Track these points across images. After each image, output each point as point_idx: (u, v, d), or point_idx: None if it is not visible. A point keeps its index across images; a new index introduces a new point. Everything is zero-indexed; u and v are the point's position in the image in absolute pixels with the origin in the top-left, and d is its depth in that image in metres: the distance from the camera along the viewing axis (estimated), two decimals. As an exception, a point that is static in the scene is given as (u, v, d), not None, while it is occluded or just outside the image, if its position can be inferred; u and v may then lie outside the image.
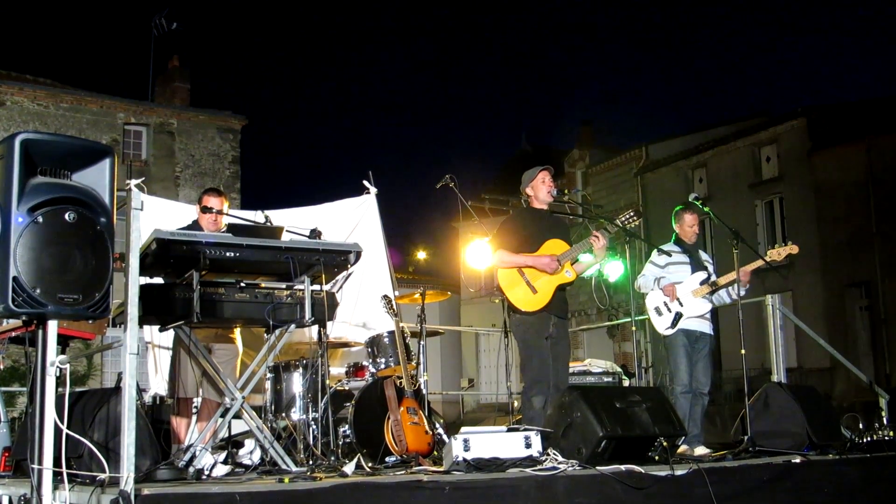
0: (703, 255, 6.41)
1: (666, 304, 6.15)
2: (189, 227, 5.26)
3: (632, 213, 5.63)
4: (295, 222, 5.11)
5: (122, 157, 22.23)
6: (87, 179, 3.39)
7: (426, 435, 5.41)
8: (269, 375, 5.46)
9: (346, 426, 5.53)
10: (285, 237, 4.83)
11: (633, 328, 6.25)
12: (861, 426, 7.03)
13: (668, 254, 6.15)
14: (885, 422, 6.99)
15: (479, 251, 7.26)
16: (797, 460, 5.00)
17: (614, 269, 7.53)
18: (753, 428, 5.49)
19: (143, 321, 4.30)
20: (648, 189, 25.78)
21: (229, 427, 5.04)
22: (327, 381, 5.15)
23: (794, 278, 19.98)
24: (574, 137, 29.52)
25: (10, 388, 10.66)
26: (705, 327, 6.22)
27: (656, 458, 4.93)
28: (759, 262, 6.12)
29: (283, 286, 4.77)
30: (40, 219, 3.20)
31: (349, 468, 4.27)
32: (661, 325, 6.17)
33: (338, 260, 4.76)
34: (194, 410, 5.29)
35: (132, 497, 3.17)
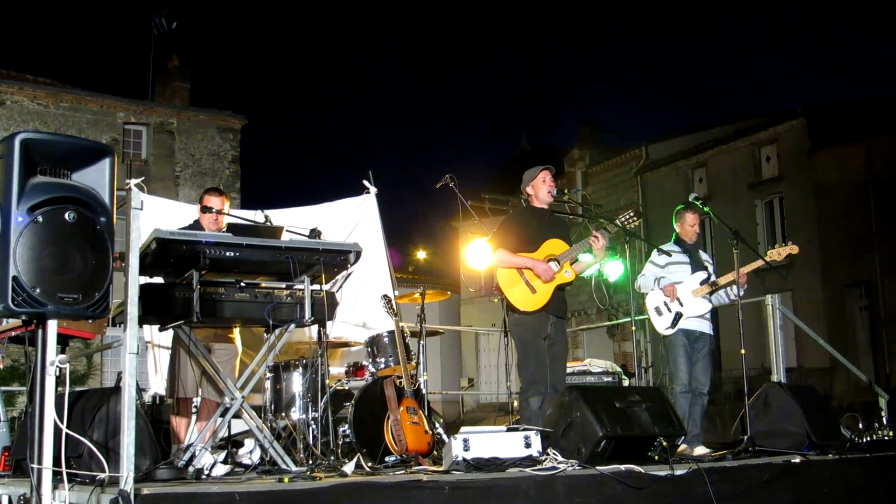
0: (703, 255, 6.41)
1: (666, 304, 6.14)
2: (190, 227, 5.27)
3: (631, 213, 5.64)
4: (295, 222, 5.11)
5: (122, 156, 22.25)
6: (87, 179, 3.39)
7: (426, 435, 5.41)
8: (268, 375, 5.47)
9: (346, 426, 5.53)
10: (285, 237, 4.83)
11: (633, 328, 6.24)
12: (861, 426, 7.01)
13: (668, 254, 6.15)
14: (884, 422, 6.99)
15: (478, 251, 7.25)
16: (797, 460, 5.01)
17: (614, 269, 7.54)
18: (753, 428, 5.50)
19: (142, 321, 4.30)
20: (648, 189, 25.77)
21: (229, 427, 5.03)
22: (327, 381, 5.15)
23: (793, 278, 19.97)
24: (574, 137, 29.54)
25: (9, 387, 10.69)
26: (705, 327, 6.22)
27: (656, 457, 4.93)
28: (759, 263, 6.12)
29: (283, 286, 4.77)
30: (40, 218, 3.20)
31: (349, 468, 4.27)
32: (661, 324, 6.16)
33: (338, 260, 4.76)
34: (194, 410, 5.29)
35: (132, 496, 3.18)
